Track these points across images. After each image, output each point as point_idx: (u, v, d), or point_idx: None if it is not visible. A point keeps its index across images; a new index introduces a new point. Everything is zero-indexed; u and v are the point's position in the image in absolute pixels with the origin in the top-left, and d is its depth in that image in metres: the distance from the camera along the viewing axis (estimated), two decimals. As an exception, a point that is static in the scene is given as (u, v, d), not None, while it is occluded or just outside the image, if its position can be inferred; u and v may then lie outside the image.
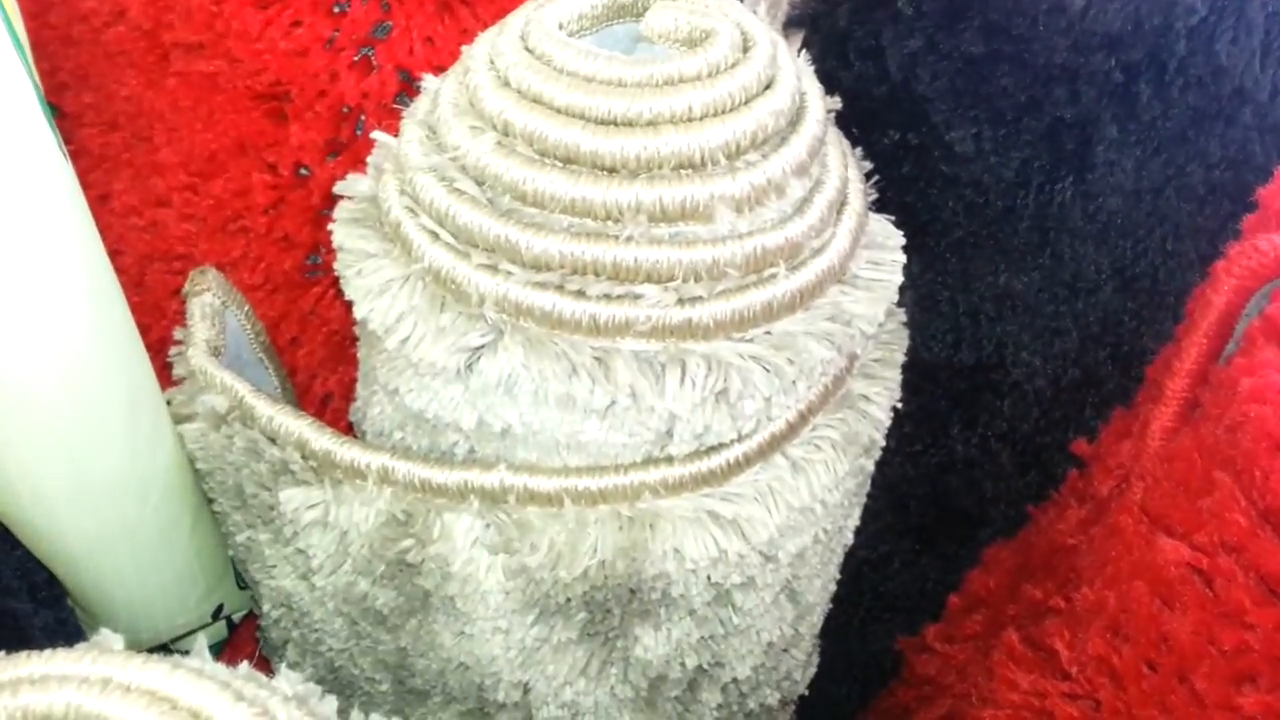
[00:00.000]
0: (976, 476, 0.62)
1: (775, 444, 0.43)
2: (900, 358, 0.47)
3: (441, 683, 0.48)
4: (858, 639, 0.73)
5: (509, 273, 0.38)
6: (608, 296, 0.38)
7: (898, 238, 0.45)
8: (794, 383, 0.40)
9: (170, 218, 0.58)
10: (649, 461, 0.41)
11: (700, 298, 0.38)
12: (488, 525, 0.42)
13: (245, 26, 0.51)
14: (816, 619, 0.53)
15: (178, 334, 0.50)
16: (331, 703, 0.29)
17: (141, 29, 0.54)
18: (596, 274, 0.37)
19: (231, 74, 0.53)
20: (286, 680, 0.28)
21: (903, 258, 0.44)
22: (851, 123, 0.45)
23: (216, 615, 0.55)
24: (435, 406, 0.41)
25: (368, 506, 0.43)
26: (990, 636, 0.63)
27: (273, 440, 0.44)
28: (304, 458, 0.44)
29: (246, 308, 0.53)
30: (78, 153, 0.59)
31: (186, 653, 0.58)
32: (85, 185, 0.59)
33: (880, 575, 0.69)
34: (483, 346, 0.39)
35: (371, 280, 0.41)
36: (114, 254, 0.59)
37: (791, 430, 0.43)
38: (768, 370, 0.39)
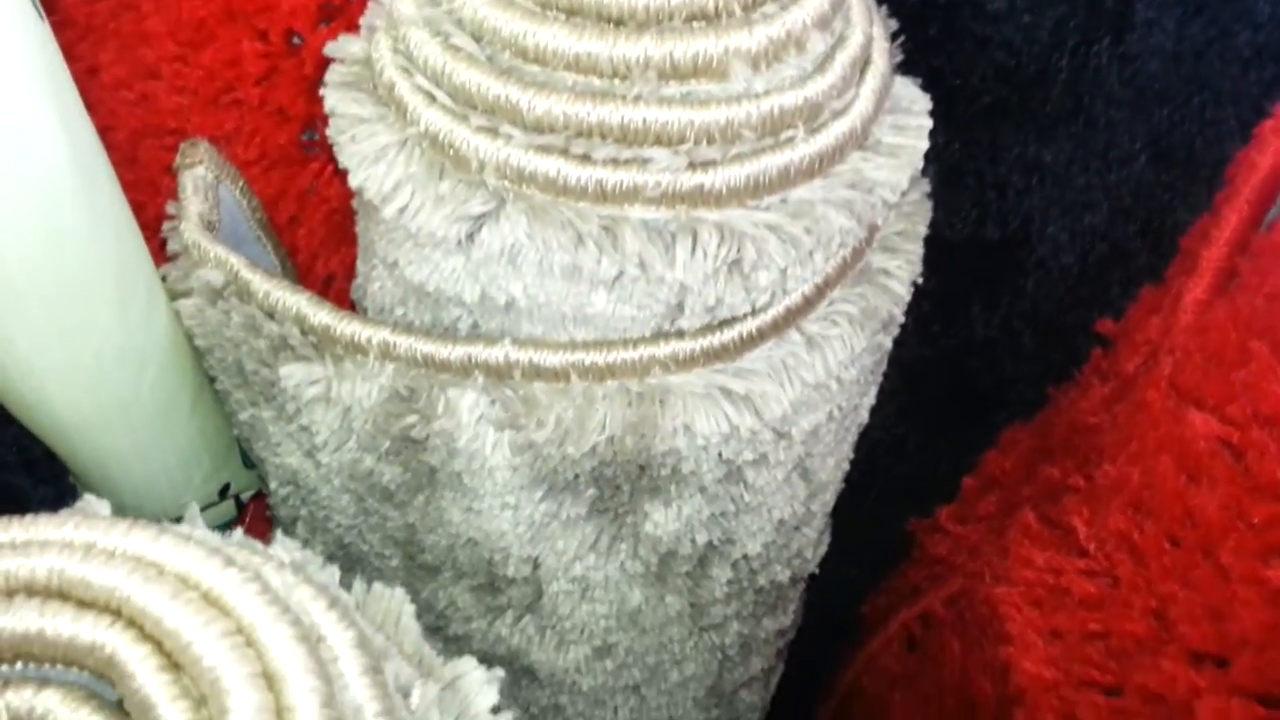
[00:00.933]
0: (996, 357, 0.61)
1: (790, 318, 0.41)
2: (923, 230, 0.45)
3: (451, 558, 0.48)
4: (870, 520, 0.73)
5: (510, 136, 0.36)
6: (615, 161, 0.36)
7: (924, 102, 0.42)
8: (811, 254, 0.39)
9: (160, 90, 0.55)
10: (659, 336, 0.40)
11: (713, 162, 0.36)
12: (493, 401, 0.41)
13: (228, -121, 0.48)
14: (829, 498, 0.53)
15: (171, 208, 0.48)
16: (332, 572, 0.28)
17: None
18: (603, 136, 0.35)
19: (217, -68, 0.50)
20: (283, 547, 0.27)
21: (929, 123, 0.42)
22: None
23: (224, 494, 0.54)
24: (436, 279, 0.40)
25: (370, 382, 0.42)
26: (1004, 517, 0.62)
27: (270, 315, 0.43)
28: (303, 333, 0.42)
29: (241, 183, 0.51)
30: (62, 23, 0.56)
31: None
32: (72, 58, 0.57)
33: (894, 457, 0.68)
34: (484, 215, 0.37)
35: (366, 146, 0.39)
36: (105, 130, 0.57)
37: (807, 304, 0.41)
38: (783, 240, 0.37)
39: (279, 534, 0.29)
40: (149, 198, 0.56)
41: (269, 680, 0.21)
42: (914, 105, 0.42)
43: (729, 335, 0.40)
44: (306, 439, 0.45)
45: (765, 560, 0.52)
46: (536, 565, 0.47)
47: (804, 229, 0.38)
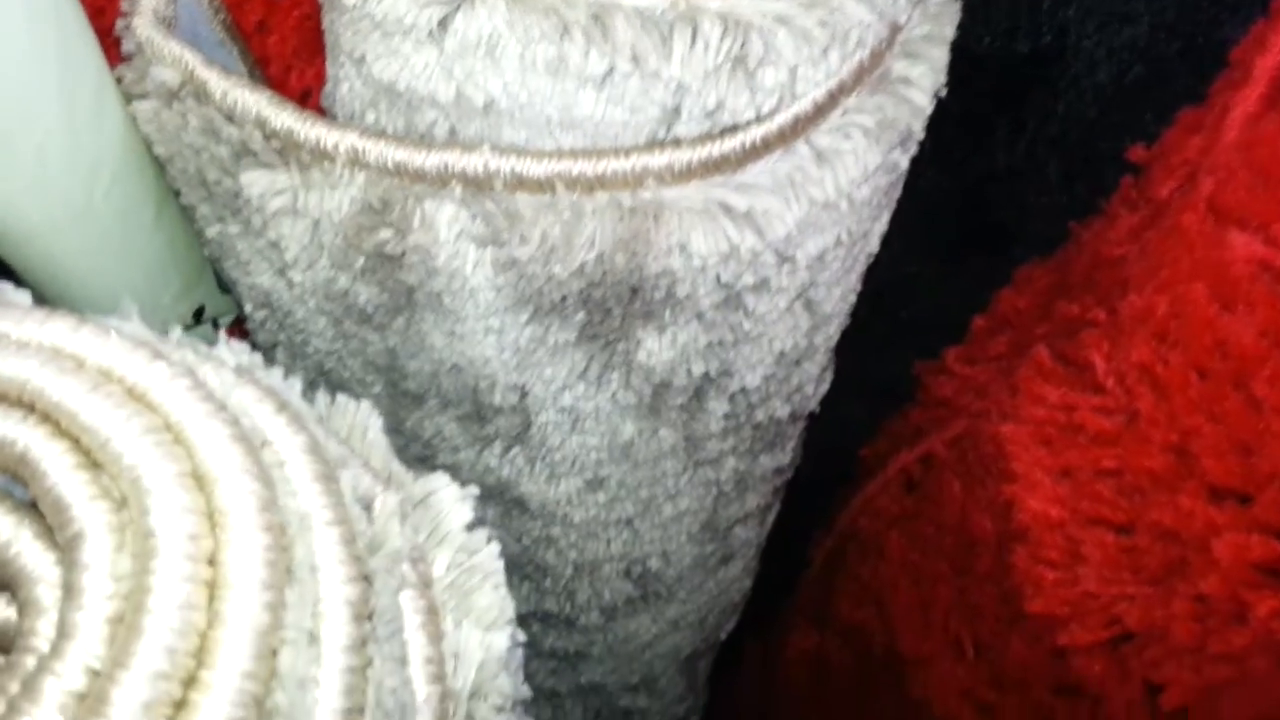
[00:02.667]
0: (1019, 188, 0.57)
1: (799, 128, 0.37)
2: (949, 33, 0.41)
3: (435, 385, 0.46)
4: (874, 360, 0.70)
5: (486, -98, 0.31)
6: (604, -67, 0.31)
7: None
8: (825, 51, 0.35)
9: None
10: (653, 144, 0.36)
11: (716, -64, 0.32)
12: (473, 215, 0.38)
13: None
14: (833, 331, 0.50)
15: (124, 4, 0.44)
16: (291, 383, 0.26)
17: None
18: (591, -97, 0.31)
19: None
20: (229, 350, 0.25)
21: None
22: None
23: (198, 318, 0.52)
24: (407, 76, 0.36)
25: (339, 193, 0.38)
26: (1015, 357, 0.60)
27: (230, 118, 0.39)
28: (265, 137, 0.39)
29: (201, -25, 0.47)
30: None
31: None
32: None
33: (902, 295, 0.65)
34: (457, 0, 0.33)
35: (327, -81, 0.34)
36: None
37: (819, 112, 0.38)
38: (795, 33, 0.33)
39: (223, 335, 0.27)
40: (107, 2, 0.52)
41: (199, 481, 0.19)
42: (946, -116, 0.37)
43: (730, 144, 0.36)
44: (276, 256, 0.42)
45: (764, 395, 0.49)
46: (524, 394, 0.45)
47: (818, 21, 0.34)
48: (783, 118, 0.37)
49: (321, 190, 0.39)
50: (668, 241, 0.37)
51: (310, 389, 0.50)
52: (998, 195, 0.58)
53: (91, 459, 0.19)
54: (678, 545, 0.59)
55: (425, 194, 0.38)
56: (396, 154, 0.37)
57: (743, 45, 0.33)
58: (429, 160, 0.37)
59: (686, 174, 0.37)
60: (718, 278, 0.39)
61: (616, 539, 0.57)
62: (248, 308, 0.49)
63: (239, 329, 0.57)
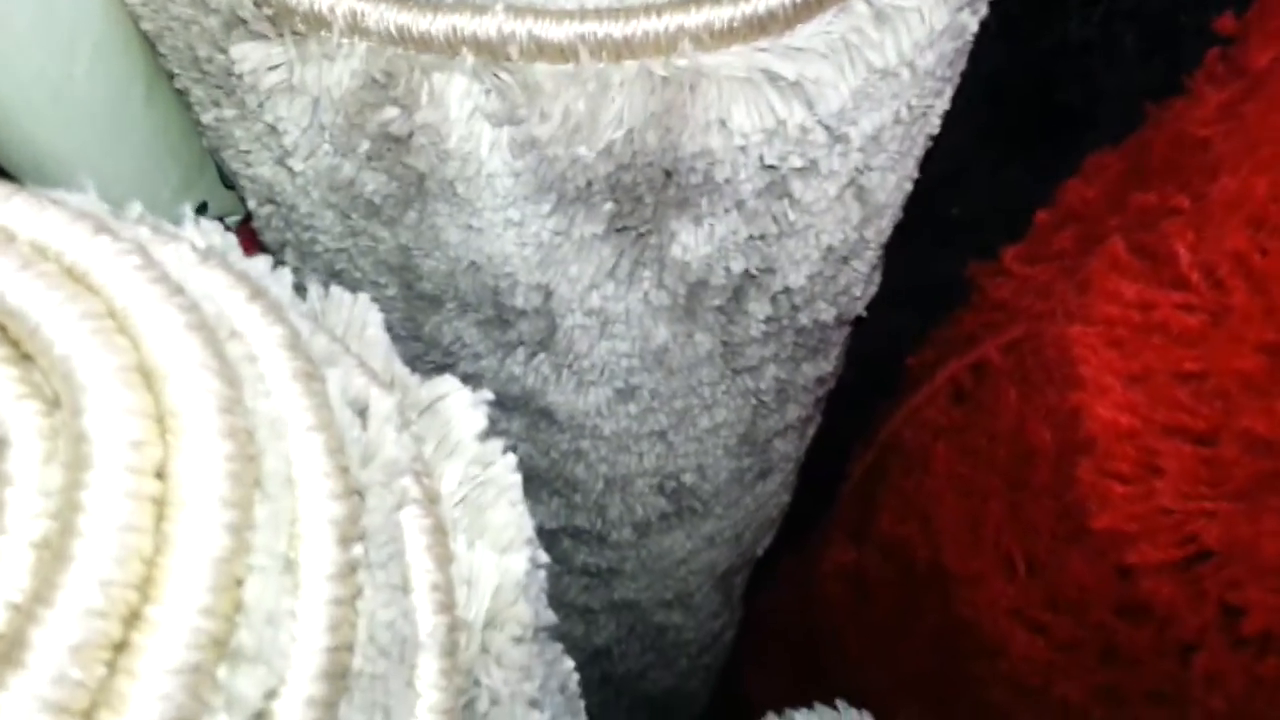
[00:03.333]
0: (1091, 64, 0.52)
1: (856, -20, 0.33)
2: None
3: (452, 286, 0.42)
4: (922, 261, 0.66)
5: None
6: None
7: None
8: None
9: None
10: (689, 1, 0.32)
11: None
12: (487, 89, 0.33)
13: None
14: (885, 225, 0.46)
15: None
16: (264, 263, 0.22)
17: None
18: None
19: None
20: (198, 231, 0.21)
21: None
22: None
23: (201, 212, 0.48)
24: (409, -77, 0.31)
25: (338, 65, 0.34)
26: (1083, 254, 0.55)
27: (218, -17, 0.35)
28: (256, 4, 0.35)
29: None
30: None
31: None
32: None
33: (956, 189, 0.61)
34: None
35: None
36: None
37: (879, -40, 0.33)
38: None
39: (188, 212, 0.23)
40: None
41: (145, 377, 0.16)
42: None
43: (777, 1, 0.32)
44: (275, 143, 0.39)
45: (809, 295, 0.45)
46: (548, 295, 0.41)
47: None
48: (838, -31, 0.32)
49: (319, 63, 0.34)
50: (706, 116, 0.33)
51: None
52: (1066, 73, 0.53)
53: (19, 350, 0.16)
54: (714, 459, 0.56)
55: (433, 65, 0.33)
56: (399, 18, 0.33)
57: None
58: (436, 24, 0.32)
59: (727, 36, 0.32)
60: (761, 159, 0.35)
61: (649, 452, 0.53)
62: (251, 203, 0.46)
63: (248, 230, 0.53)
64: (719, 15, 0.32)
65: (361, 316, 0.26)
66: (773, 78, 0.33)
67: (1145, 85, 0.52)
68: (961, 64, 0.41)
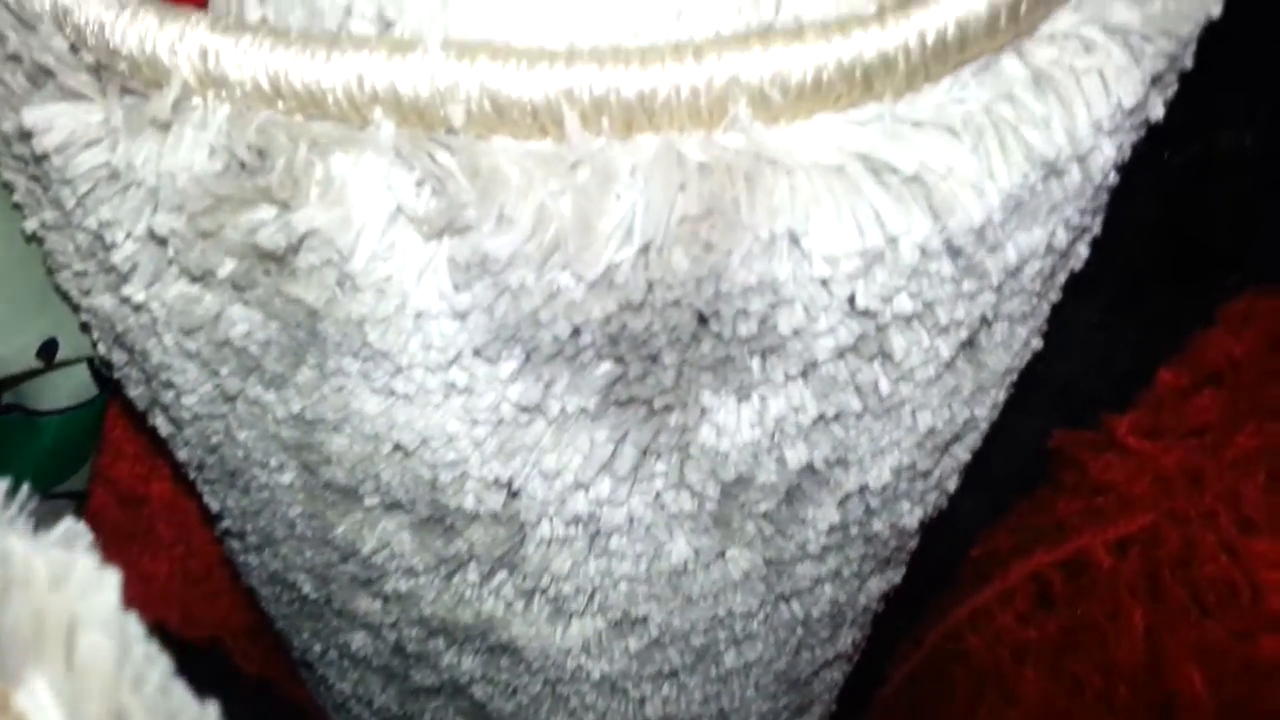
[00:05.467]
0: (1243, 185, 0.39)
1: (1020, 11, 0.20)
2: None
3: (372, 474, 0.28)
4: (997, 426, 0.53)
5: None
6: None
7: None
8: None
9: None
10: (750, 34, 0.19)
11: None
12: (416, 177, 0.21)
13: None
14: (1001, 398, 0.32)
15: None
16: None
17: None
18: None
19: None
20: None
21: None
22: None
23: (48, 355, 0.35)
24: (290, -97, 0.19)
25: (185, 136, 0.21)
26: (1234, 430, 0.42)
27: (19, 15, 0.23)
28: (71, 47, 0.22)
29: None
30: None
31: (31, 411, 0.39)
32: None
33: (1054, 337, 0.48)
34: None
35: None
36: None
37: (1049, -9, 0.20)
38: None
39: None
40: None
41: None
42: None
43: (897, 36, 0.19)
44: (107, 259, 0.26)
45: (892, 495, 0.32)
46: (512, 493, 0.27)
47: None
48: (981, 2, 0.20)
49: (157, 136, 0.22)
50: (770, 227, 0.20)
51: (202, 471, 0.33)
52: (1208, 196, 0.41)
53: None
54: (740, 702, 0.41)
55: (330, 139, 0.21)
56: (275, 59, 0.20)
57: None
58: (332, 69, 0.20)
59: (811, 95, 0.19)
60: (851, 300, 0.22)
61: (654, 697, 0.38)
62: (100, 348, 0.32)
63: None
64: (797, 60, 0.19)
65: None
66: (879, 168, 0.20)
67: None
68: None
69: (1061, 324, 0.46)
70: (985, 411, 0.31)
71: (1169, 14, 0.22)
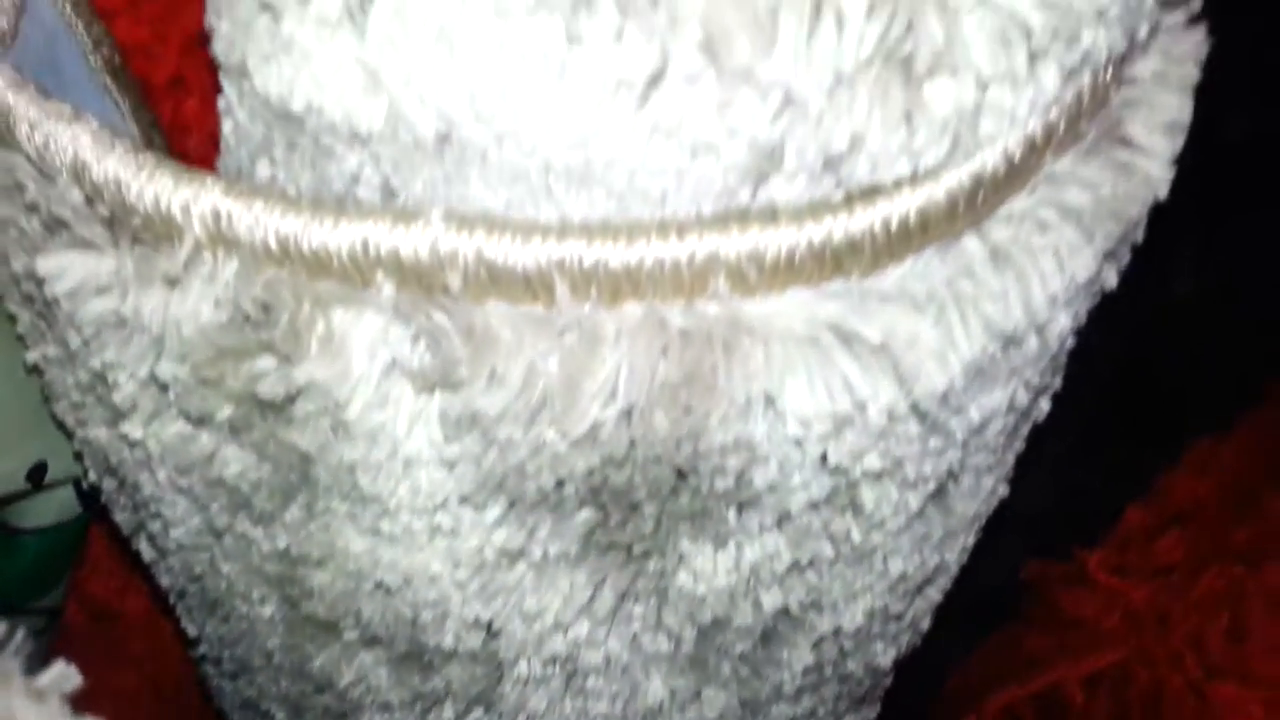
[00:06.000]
0: (1196, 331, 0.41)
1: (975, 203, 0.22)
2: (1193, 75, 0.26)
3: (353, 611, 0.29)
4: (976, 563, 0.53)
5: None
6: None
7: None
8: (1038, 57, 0.19)
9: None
10: (729, 216, 0.21)
11: None
12: (413, 335, 0.22)
13: None
14: (970, 542, 0.33)
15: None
16: None
17: None
18: None
19: None
20: None
21: None
22: None
23: (37, 478, 0.36)
24: (307, 86, 0.21)
25: (193, 290, 0.23)
26: (1199, 571, 0.43)
27: (41, 170, 0.24)
28: (88, 199, 0.24)
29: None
30: None
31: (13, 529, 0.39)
32: None
33: (1031, 480, 0.49)
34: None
35: None
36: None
37: (1010, 177, 0.22)
38: (994, 16, 0.18)
39: None
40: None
41: None
42: None
43: (862, 222, 0.21)
44: (106, 397, 0.27)
45: (866, 636, 0.32)
46: (492, 634, 0.28)
47: (1035, 1, 0.19)
48: (954, 179, 0.21)
49: (165, 288, 0.23)
50: (747, 391, 0.21)
51: (182, 599, 0.33)
52: (1163, 341, 0.42)
53: None
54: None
55: (332, 297, 0.22)
56: (285, 223, 0.21)
57: (906, 31, 0.18)
58: (338, 234, 0.21)
59: (785, 272, 0.21)
60: (824, 457, 0.23)
61: (628, 835, 0.38)
62: (91, 474, 0.33)
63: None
64: (772, 240, 0.20)
65: None
66: (849, 338, 0.22)
67: (1264, 356, 0.41)
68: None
69: (1031, 462, 0.47)
70: (955, 555, 0.32)
71: (1118, 198, 0.24)
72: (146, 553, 0.35)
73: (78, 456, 0.34)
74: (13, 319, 0.30)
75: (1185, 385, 0.44)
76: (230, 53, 0.22)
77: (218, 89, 0.39)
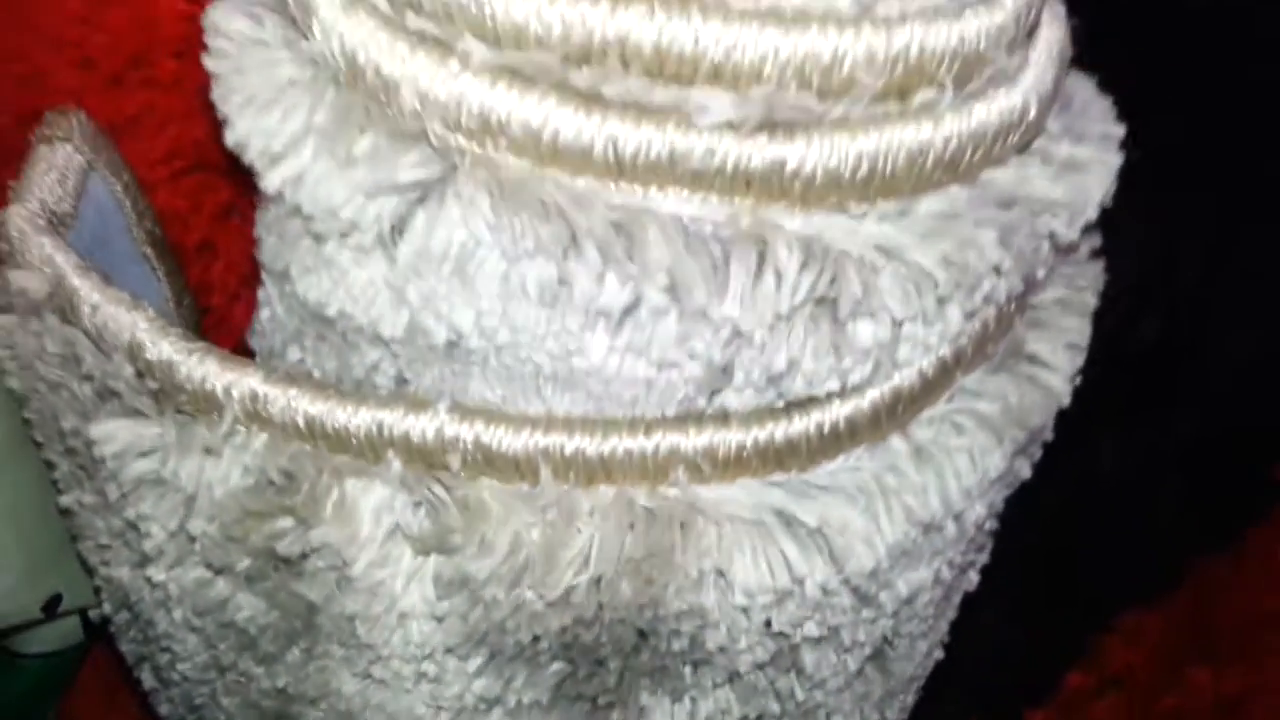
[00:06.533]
0: (1122, 507, 0.45)
1: (897, 411, 0.26)
2: (1091, 302, 0.30)
3: (340, 747, 0.31)
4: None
5: (469, 55, 0.22)
6: (640, 108, 0.21)
7: (1104, 106, 0.29)
8: (943, 304, 0.24)
9: (56, 65, 0.42)
10: (688, 418, 0.25)
11: (804, 124, 0.21)
12: (415, 505, 0.25)
13: None
14: (910, 701, 0.36)
15: (12, 191, 0.34)
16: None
17: None
18: (625, 63, 0.21)
19: None
20: None
21: (1119, 130, 0.27)
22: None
23: (51, 609, 0.38)
24: (341, 297, 0.25)
25: (226, 459, 0.26)
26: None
27: (98, 345, 0.28)
28: (138, 374, 0.27)
29: (127, 177, 0.37)
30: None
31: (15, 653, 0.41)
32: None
33: (972, 642, 0.52)
34: (420, 188, 0.22)
35: (255, 81, 0.25)
36: (-14, 113, 0.44)
37: (925, 391, 0.26)
38: (905, 273, 0.23)
39: None
40: None
41: None
42: (1091, 108, 0.28)
43: (800, 427, 0.25)
44: (136, 543, 0.30)
45: (811, 785, 0.35)
46: (466, 770, 0.30)
47: (940, 259, 0.23)
48: (876, 394, 0.25)
49: (201, 455, 0.27)
50: (700, 565, 0.25)
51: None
52: (1091, 514, 0.46)
53: None
54: None
55: (348, 469, 0.26)
56: (311, 406, 0.25)
57: (832, 283, 0.22)
58: (357, 418, 0.25)
59: (735, 465, 0.25)
60: (768, 624, 0.27)
61: None
62: (107, 607, 0.36)
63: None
64: (724, 439, 0.24)
65: None
66: (789, 522, 0.25)
67: (1205, 535, 0.45)
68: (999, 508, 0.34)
69: (969, 626, 0.50)
70: (895, 714, 0.35)
71: (1024, 407, 0.28)
72: (148, 681, 0.37)
73: (96, 591, 0.36)
74: (50, 466, 0.34)
75: (1111, 559, 0.47)
76: (275, 260, 0.27)
77: (244, 256, 0.43)
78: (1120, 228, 0.36)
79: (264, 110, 0.24)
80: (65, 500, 0.33)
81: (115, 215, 0.37)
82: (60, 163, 0.34)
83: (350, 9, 0.23)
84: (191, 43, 0.39)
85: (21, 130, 0.44)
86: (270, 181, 0.24)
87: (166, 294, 0.40)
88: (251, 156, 0.24)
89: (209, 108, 0.40)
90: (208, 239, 0.43)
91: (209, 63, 0.26)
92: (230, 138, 0.25)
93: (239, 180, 0.42)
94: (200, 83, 0.40)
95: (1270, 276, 0.36)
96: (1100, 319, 0.38)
